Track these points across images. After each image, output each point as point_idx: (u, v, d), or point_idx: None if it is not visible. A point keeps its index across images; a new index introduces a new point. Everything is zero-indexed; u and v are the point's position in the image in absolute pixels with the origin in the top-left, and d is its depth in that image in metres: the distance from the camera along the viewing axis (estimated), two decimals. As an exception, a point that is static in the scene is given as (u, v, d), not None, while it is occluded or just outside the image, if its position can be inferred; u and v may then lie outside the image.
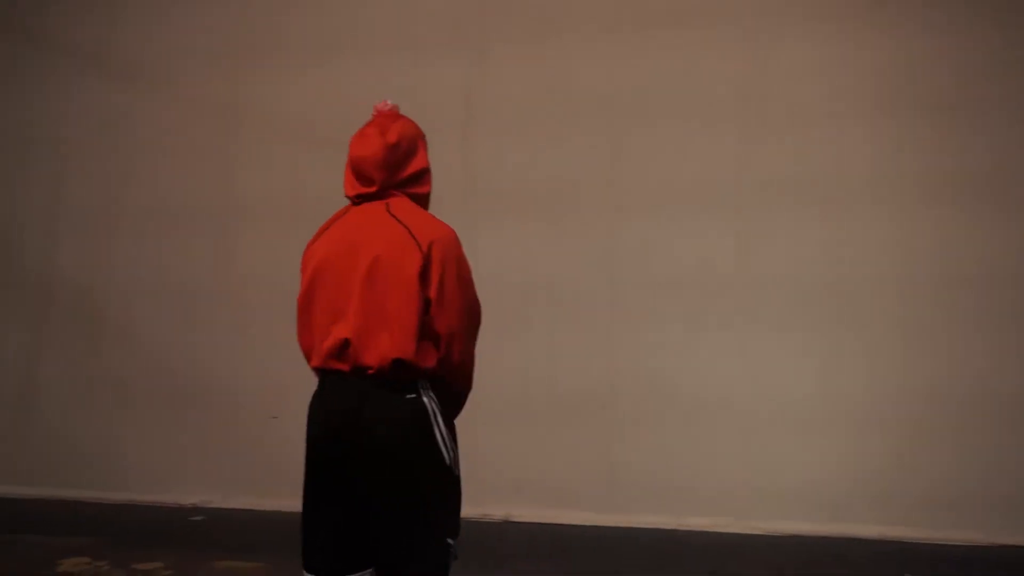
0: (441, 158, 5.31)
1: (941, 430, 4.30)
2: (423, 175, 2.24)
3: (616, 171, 4.79)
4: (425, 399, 2.08)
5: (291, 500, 4.44)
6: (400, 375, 2.06)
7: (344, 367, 2.07)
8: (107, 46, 5.57)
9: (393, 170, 2.16)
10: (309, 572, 2.14)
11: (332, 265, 2.12)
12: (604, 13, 4.82)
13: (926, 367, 4.35)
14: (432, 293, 2.05)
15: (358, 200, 2.19)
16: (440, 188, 5.25)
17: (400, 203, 2.16)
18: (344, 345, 2.06)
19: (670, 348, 4.65)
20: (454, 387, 2.18)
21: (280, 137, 5.25)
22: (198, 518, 4.97)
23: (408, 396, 2.06)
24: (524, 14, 4.92)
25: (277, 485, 4.78)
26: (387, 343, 2.03)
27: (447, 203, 5.05)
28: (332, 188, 5.15)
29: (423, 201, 2.24)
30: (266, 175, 5.26)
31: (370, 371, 2.05)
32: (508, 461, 4.67)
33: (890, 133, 4.48)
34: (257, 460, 5.00)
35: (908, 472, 4.32)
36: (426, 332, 2.05)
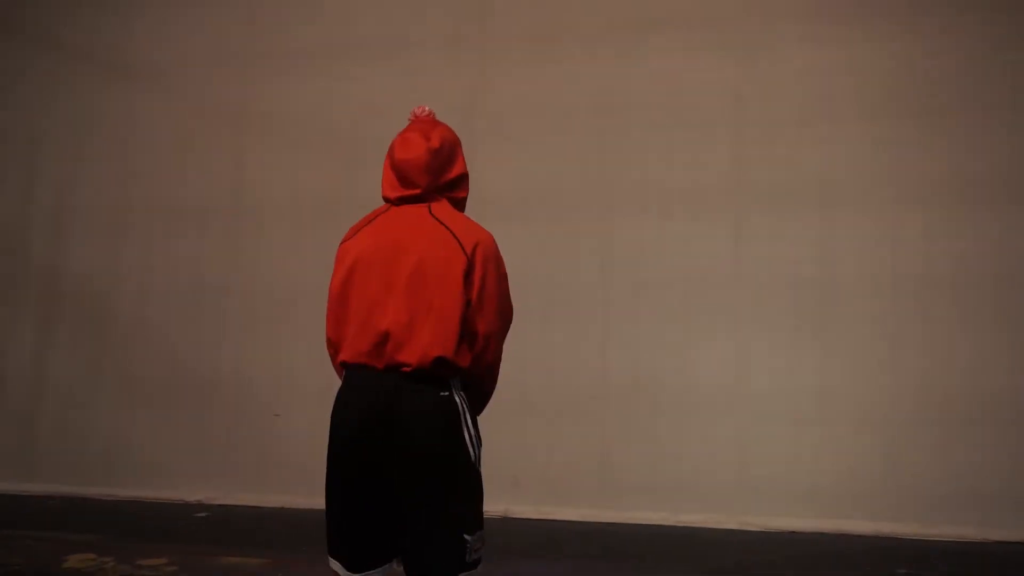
0: None
1: (932, 427, 4.31)
2: (462, 180, 2.25)
3: (611, 175, 4.80)
4: (457, 398, 2.10)
5: (295, 496, 4.47)
6: (438, 372, 2.07)
7: (378, 364, 2.08)
8: (118, 50, 5.58)
9: (436, 174, 2.17)
10: (334, 556, 2.16)
11: (374, 262, 2.12)
12: (600, 21, 4.83)
13: (916, 365, 4.36)
14: (474, 295, 2.07)
15: (399, 201, 2.20)
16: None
17: (441, 207, 2.17)
18: (384, 340, 2.07)
19: (664, 347, 4.66)
20: (484, 387, 2.21)
21: (288, 140, 5.27)
22: (202, 514, 4.97)
23: (442, 394, 2.08)
24: (523, 24, 4.93)
25: (281, 482, 4.82)
26: (429, 340, 2.04)
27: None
28: (338, 190, 5.21)
29: (461, 205, 2.26)
30: (274, 177, 5.27)
31: (407, 368, 2.05)
32: (506, 458, 4.62)
33: (881, 137, 4.49)
34: (261, 457, 5.02)
35: (900, 469, 4.32)
36: (464, 332, 2.08)
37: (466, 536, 2.09)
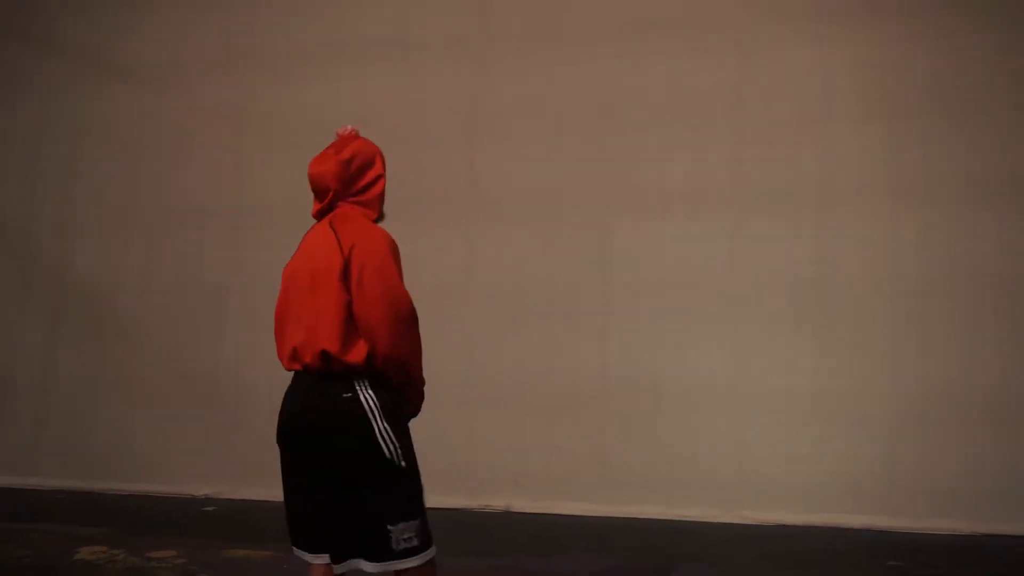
0: (445, 165, 5.39)
1: (924, 425, 4.33)
2: (375, 186, 2.33)
3: (610, 176, 4.81)
4: (364, 397, 2.16)
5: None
6: (331, 368, 2.17)
7: (298, 367, 2.24)
8: (122, 53, 5.59)
9: (348, 183, 2.28)
10: (304, 551, 2.28)
11: (293, 280, 2.29)
12: (600, 22, 4.84)
13: (910, 363, 4.38)
14: (352, 288, 2.15)
15: (318, 216, 2.33)
16: (445, 194, 5.33)
17: (342, 213, 2.27)
18: (294, 348, 2.22)
19: (662, 346, 4.67)
20: (393, 380, 2.23)
21: (288, 141, 5.22)
22: (209, 508, 5.00)
23: (345, 395, 2.16)
24: (524, 25, 4.94)
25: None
26: (315, 339, 2.17)
27: (452, 208, 5.12)
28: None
29: (373, 204, 2.33)
30: (275, 178, 5.26)
31: (312, 368, 2.19)
32: (508, 455, 4.70)
33: (877, 138, 4.49)
34: (265, 453, 4.94)
35: (892, 465, 4.34)
36: (349, 327, 2.16)
37: (389, 527, 2.16)
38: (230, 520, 4.70)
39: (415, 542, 2.19)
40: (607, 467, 4.67)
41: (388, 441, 2.17)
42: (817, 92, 4.55)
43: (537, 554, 3.92)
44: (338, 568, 2.23)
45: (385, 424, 2.17)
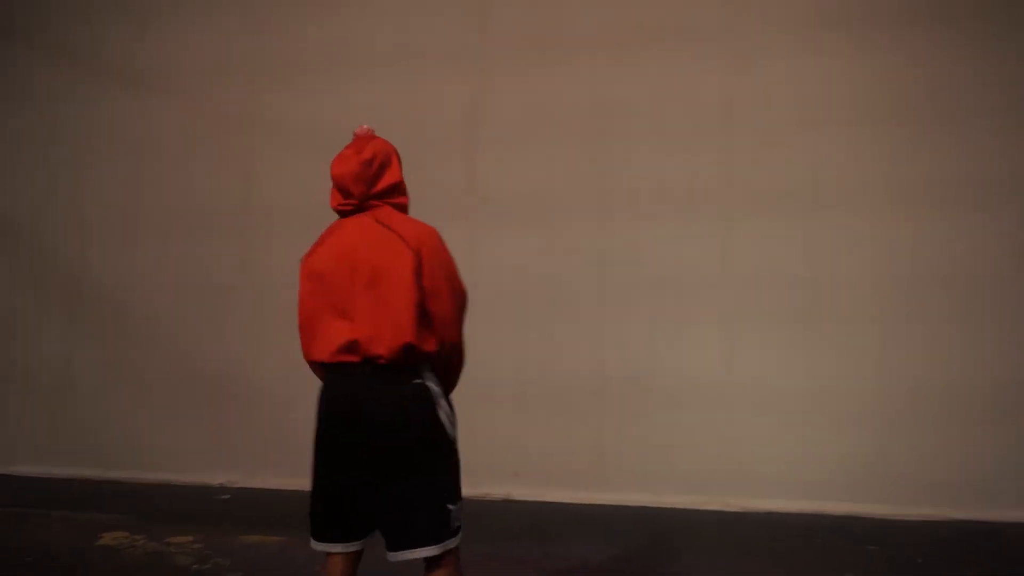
0: (447, 169, 5.40)
1: (902, 417, 4.37)
2: (397, 187, 2.38)
3: (607, 180, 4.81)
4: (429, 384, 2.25)
5: (308, 480, 4.53)
6: (408, 362, 2.22)
7: (355, 359, 2.22)
8: (133, 61, 5.58)
9: (369, 183, 2.31)
10: (319, 541, 2.31)
11: (333, 273, 2.26)
12: (596, 32, 4.84)
13: (896, 359, 4.41)
14: (426, 284, 2.22)
15: (343, 212, 2.36)
16: (446, 196, 5.38)
17: (384, 212, 2.32)
18: (354, 341, 2.21)
19: (656, 342, 4.70)
20: (451, 363, 2.34)
21: (294, 146, 5.26)
22: (225, 496, 5.05)
23: (415, 382, 2.23)
24: (522, 37, 4.94)
25: (296, 466, 4.82)
26: (393, 333, 2.19)
27: (452, 210, 5.19)
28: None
29: (404, 211, 2.41)
30: (281, 181, 5.28)
31: (381, 360, 2.20)
32: (508, 446, 4.75)
33: (864, 141, 4.50)
34: (277, 443, 5.07)
35: (872, 456, 4.39)
36: (424, 319, 2.23)
37: (449, 506, 2.25)
38: (244, 507, 4.76)
39: (460, 523, 2.29)
40: (602, 458, 4.73)
41: (449, 421, 2.29)
42: (805, 99, 4.56)
43: (535, 541, 3.99)
44: (352, 547, 2.27)
45: (447, 405, 2.29)
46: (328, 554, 2.29)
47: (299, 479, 4.79)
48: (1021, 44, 4.31)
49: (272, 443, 5.13)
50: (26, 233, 5.74)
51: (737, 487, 4.51)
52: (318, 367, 2.35)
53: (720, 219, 4.68)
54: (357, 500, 2.25)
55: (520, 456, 4.76)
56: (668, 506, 4.52)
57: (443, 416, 2.27)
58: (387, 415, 2.20)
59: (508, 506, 4.61)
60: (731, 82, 4.68)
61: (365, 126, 2.42)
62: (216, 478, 5.23)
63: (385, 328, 2.19)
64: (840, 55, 4.52)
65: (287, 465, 4.94)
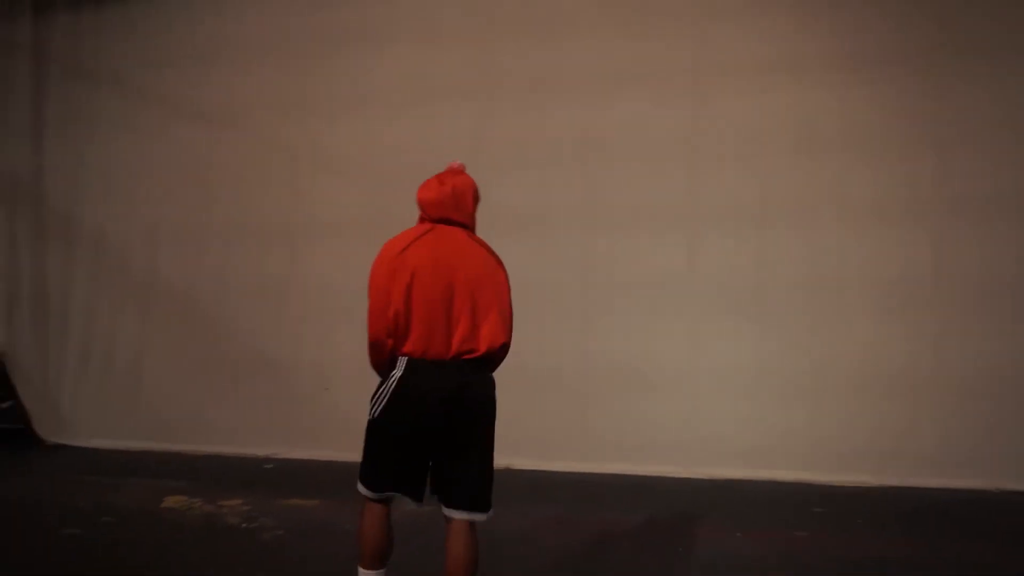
0: None
1: (840, 393, 4.36)
2: (468, 217, 2.39)
3: (590, 199, 4.81)
4: (492, 376, 2.32)
5: (341, 452, 4.51)
6: (488, 357, 2.25)
7: (446, 355, 2.20)
8: (199, 99, 5.60)
9: (449, 209, 2.32)
10: (380, 491, 2.30)
11: (431, 272, 2.22)
12: (581, 75, 4.83)
13: (827, 345, 4.41)
14: (509, 300, 2.31)
15: (437, 221, 2.34)
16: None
17: (474, 235, 2.37)
18: (452, 334, 2.21)
19: (632, 334, 4.69)
20: (499, 360, 2.36)
21: (333, 171, 5.29)
22: (269, 466, 5.03)
23: (490, 374, 2.30)
24: (519, 77, 4.94)
25: (329, 440, 4.86)
26: (492, 333, 2.22)
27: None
28: (372, 211, 5.27)
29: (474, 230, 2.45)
30: (322, 199, 5.30)
31: (471, 355, 2.22)
32: (509, 422, 4.63)
33: (807, 168, 4.49)
34: (313, 421, 5.08)
35: (815, 429, 4.37)
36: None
37: (491, 483, 2.34)
38: (285, 476, 4.74)
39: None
40: (588, 432, 4.71)
41: (494, 413, 2.33)
42: (756, 131, 4.57)
43: (532, 503, 3.99)
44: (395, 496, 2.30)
45: (495, 395, 2.33)
46: (375, 501, 2.31)
47: (331, 451, 4.88)
48: (927, 86, 4.33)
49: (309, 420, 5.13)
50: (109, 242, 5.77)
51: (702, 457, 4.49)
52: (388, 354, 2.29)
53: (685, 232, 4.69)
54: (436, 466, 2.28)
55: (519, 431, 4.69)
56: (644, 474, 4.50)
57: (494, 407, 2.33)
58: (473, 401, 2.23)
59: (509, 474, 4.57)
60: (694, 117, 4.69)
61: (459, 162, 2.42)
62: (261, 450, 5.22)
63: (483, 329, 2.21)
64: (784, 95, 4.54)
65: (321, 439, 5.00)
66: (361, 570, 2.33)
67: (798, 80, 4.52)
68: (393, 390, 2.25)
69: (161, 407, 5.50)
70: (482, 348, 2.20)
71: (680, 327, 4.65)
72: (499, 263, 2.32)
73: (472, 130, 4.99)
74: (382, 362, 2.32)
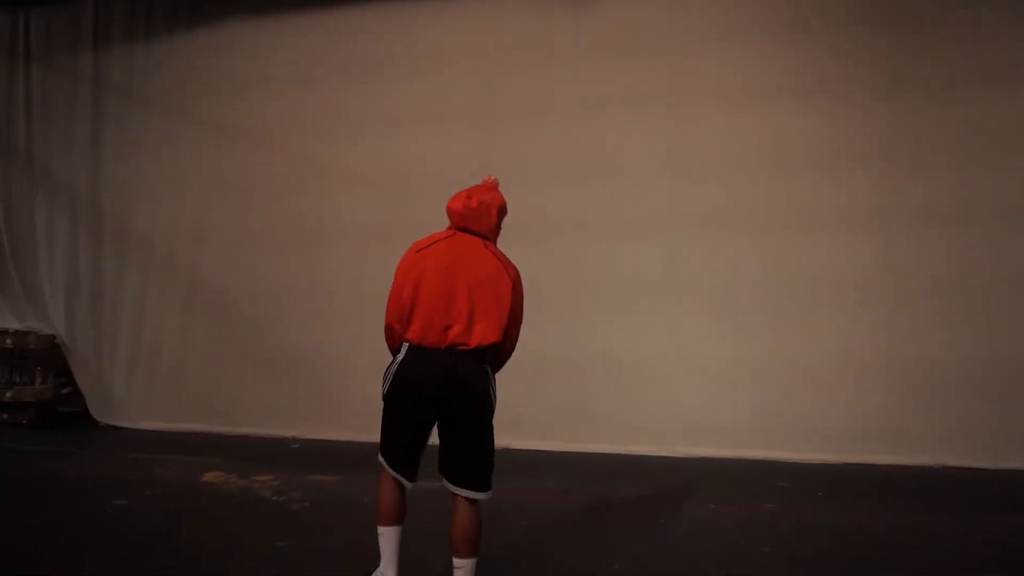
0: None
1: (801, 381, 4.32)
2: (492, 231, 2.36)
3: (580, 208, 4.76)
4: (487, 368, 2.24)
5: (360, 433, 4.46)
6: (483, 351, 2.21)
7: (442, 344, 2.18)
8: (234, 122, 5.54)
9: (472, 221, 2.31)
10: (395, 469, 2.27)
11: (440, 272, 2.21)
12: (574, 99, 4.79)
13: (791, 338, 4.36)
14: (512, 306, 2.23)
15: (460, 230, 2.32)
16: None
17: (489, 244, 2.33)
18: (449, 327, 2.18)
19: (618, 329, 4.64)
20: (504, 358, 2.33)
21: (355, 184, 5.24)
22: (296, 445, 4.98)
23: (482, 366, 2.22)
24: (519, 101, 4.91)
25: (350, 422, 4.82)
26: (484, 331, 2.18)
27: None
28: (390, 220, 5.22)
29: (496, 240, 2.41)
30: (345, 209, 5.26)
31: (463, 347, 2.18)
32: (509, 406, 4.58)
33: (773, 182, 4.44)
34: (336, 405, 5.02)
35: (780, 410, 4.32)
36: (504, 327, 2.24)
37: (490, 467, 2.27)
38: (311, 454, 4.68)
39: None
40: (580, 416, 4.65)
41: (494, 394, 2.26)
42: (728, 149, 4.52)
43: (531, 479, 3.94)
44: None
45: (493, 384, 2.27)
46: (388, 475, 2.29)
47: (351, 432, 4.81)
48: (880, 109, 4.30)
49: (332, 405, 5.07)
50: (157, 246, 5.71)
51: (680, 438, 4.43)
52: (398, 339, 2.29)
53: (665, 238, 4.66)
54: (440, 444, 2.25)
55: (518, 415, 4.65)
56: (629, 453, 4.44)
57: (491, 391, 2.25)
58: (463, 389, 2.19)
59: (509, 453, 4.53)
60: (673, 137, 4.66)
61: (493, 178, 2.41)
62: (290, 431, 5.16)
63: (478, 327, 2.17)
64: (753, 117, 4.51)
65: (343, 422, 4.95)
66: (379, 527, 2.30)
67: (766, 103, 4.49)
68: (395, 372, 2.27)
69: (202, 393, 5.44)
70: (472, 343, 2.17)
71: (661, 322, 4.60)
72: (508, 272, 2.26)
73: (478, 148, 4.94)
74: (393, 345, 2.33)
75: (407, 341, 2.23)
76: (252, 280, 5.46)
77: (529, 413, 4.66)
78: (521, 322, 2.32)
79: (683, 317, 4.56)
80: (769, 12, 4.52)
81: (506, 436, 4.69)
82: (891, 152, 4.29)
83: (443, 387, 2.18)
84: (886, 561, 2.72)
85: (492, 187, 2.40)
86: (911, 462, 4.02)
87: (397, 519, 2.29)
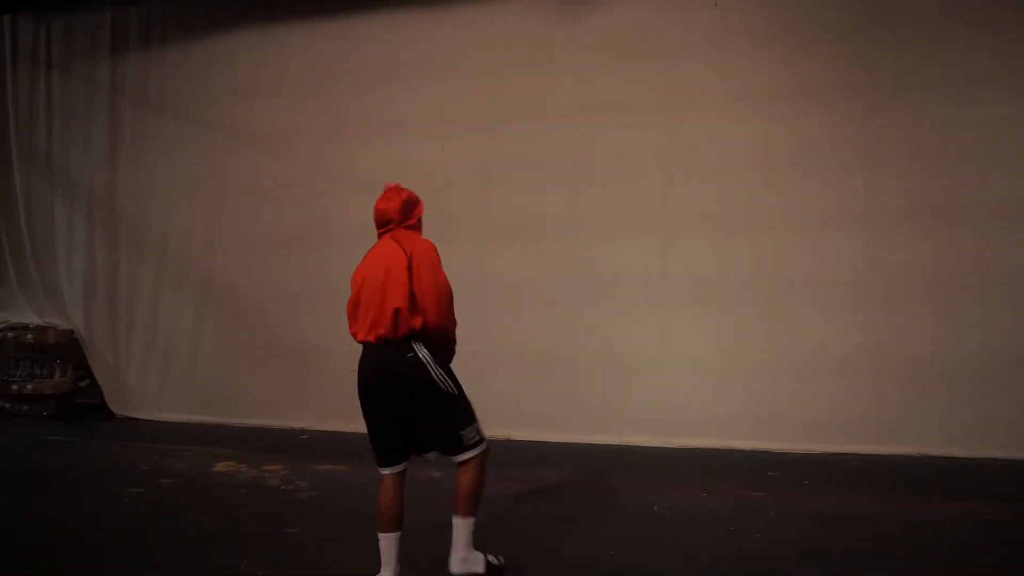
0: (465, 202, 5.39)
1: (789, 374, 4.30)
2: (417, 218, 2.41)
3: (579, 210, 4.75)
4: (421, 355, 2.22)
5: (364, 425, 4.45)
6: (401, 336, 2.19)
7: (371, 339, 2.24)
8: (245, 127, 5.53)
9: (404, 216, 2.35)
10: (383, 467, 2.30)
11: (367, 281, 2.29)
12: (572, 104, 4.77)
13: (778, 333, 4.35)
14: (413, 278, 2.21)
15: (381, 235, 2.38)
16: (464, 222, 5.34)
17: (400, 233, 2.34)
18: (372, 322, 2.23)
19: (614, 325, 4.63)
20: (439, 341, 2.29)
21: (360, 188, 5.19)
22: (304, 436, 4.97)
23: (408, 355, 2.21)
24: (518, 106, 4.89)
25: (355, 415, 4.76)
26: (391, 314, 2.20)
27: (469, 231, 5.12)
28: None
29: (418, 227, 2.41)
30: (349, 213, 5.13)
31: (384, 337, 2.21)
32: (509, 399, 4.62)
33: (761, 184, 4.43)
34: (341, 398, 4.91)
35: (769, 403, 4.30)
36: (412, 304, 2.20)
37: (459, 432, 2.25)
38: (318, 445, 4.67)
39: (478, 437, 2.28)
40: (577, 409, 4.63)
41: (441, 379, 2.23)
42: (719, 153, 4.50)
43: (530, 469, 3.93)
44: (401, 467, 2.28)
45: (438, 369, 2.23)
46: (384, 477, 2.32)
47: (357, 424, 4.68)
48: (861, 115, 4.28)
49: (338, 398, 4.93)
50: (171, 246, 5.69)
51: (673, 429, 4.41)
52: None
53: (658, 238, 4.63)
54: (396, 434, 2.28)
55: (517, 407, 4.65)
56: (623, 444, 4.43)
57: (435, 376, 2.23)
58: (394, 376, 2.21)
59: (509, 444, 4.51)
60: (666, 141, 4.64)
61: (393, 182, 2.45)
62: (298, 423, 5.15)
63: (386, 313, 2.19)
64: (742, 122, 4.49)
65: (348, 414, 4.82)
66: (378, 533, 2.31)
67: (754, 109, 4.47)
68: (358, 371, 2.34)
69: (213, 386, 5.43)
70: (385, 332, 2.20)
71: (654, 319, 4.58)
72: (404, 251, 2.24)
73: (479, 151, 4.93)
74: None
75: (360, 342, 2.31)
76: (262, 279, 5.44)
77: (528, 406, 4.65)
78: (440, 290, 2.24)
79: (677, 314, 4.54)
80: (759, 20, 4.50)
81: (506, 428, 4.68)
82: (877, 154, 4.27)
83: (378, 375, 2.23)
84: (870, 546, 2.72)
85: (400, 188, 2.44)
86: (894, 451, 4.02)
87: (394, 525, 2.29)
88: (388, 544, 2.28)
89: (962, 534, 2.80)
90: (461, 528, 2.26)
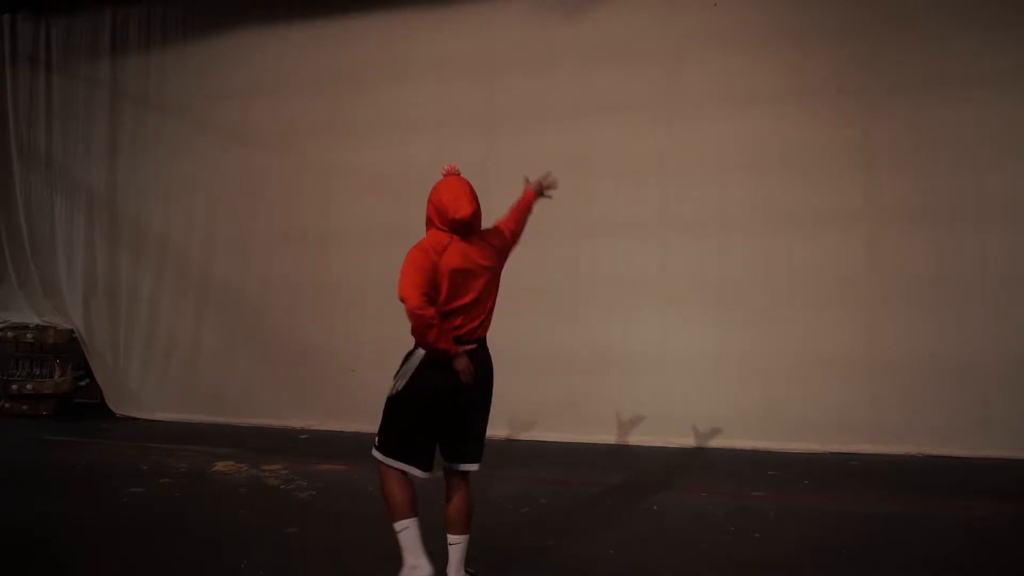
0: None
1: (789, 374, 4.29)
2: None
3: (579, 210, 4.68)
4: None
5: (364, 424, 4.42)
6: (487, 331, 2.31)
7: (476, 336, 2.29)
8: (245, 127, 5.51)
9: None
10: (426, 469, 2.19)
11: (476, 274, 2.27)
12: (572, 105, 4.76)
13: (777, 333, 4.34)
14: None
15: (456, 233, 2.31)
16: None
17: (481, 234, 2.40)
18: (481, 323, 2.31)
19: (613, 325, 4.62)
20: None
21: (360, 187, 5.21)
22: (304, 436, 4.95)
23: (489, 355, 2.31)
24: (518, 107, 4.88)
25: (355, 414, 4.74)
26: (487, 309, 2.35)
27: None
28: (392, 220, 5.19)
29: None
30: (349, 211, 5.22)
31: (483, 336, 2.33)
32: (510, 400, 4.56)
33: (759, 183, 4.43)
34: (342, 398, 4.98)
35: (769, 402, 4.30)
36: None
37: (484, 439, 2.27)
38: (318, 444, 4.66)
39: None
40: (575, 408, 4.62)
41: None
42: (715, 153, 4.50)
43: (527, 467, 3.91)
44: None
45: (399, 366, 2.23)
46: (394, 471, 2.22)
47: (357, 424, 4.76)
48: (857, 116, 4.29)
49: (338, 398, 5.05)
50: (171, 246, 5.68)
51: (673, 428, 4.40)
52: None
53: (657, 238, 4.62)
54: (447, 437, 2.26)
55: (518, 408, 4.61)
56: (624, 443, 4.43)
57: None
58: (486, 375, 2.30)
59: (510, 443, 4.52)
60: (665, 141, 4.63)
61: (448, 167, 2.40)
62: (298, 423, 5.14)
63: (487, 314, 2.33)
64: (740, 123, 4.49)
65: (348, 414, 4.88)
66: (400, 522, 2.15)
67: (751, 111, 4.47)
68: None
69: (213, 386, 5.41)
70: (484, 332, 2.28)
71: (654, 318, 4.57)
72: (500, 258, 2.32)
73: (478, 151, 4.91)
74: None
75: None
76: (262, 278, 5.43)
77: (528, 406, 4.63)
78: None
79: (676, 315, 4.53)
80: (758, 21, 4.50)
81: (508, 427, 4.68)
82: (875, 155, 4.27)
83: (479, 378, 2.27)
84: (870, 545, 2.70)
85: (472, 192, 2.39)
86: (893, 451, 4.01)
87: (416, 510, 2.19)
88: (413, 531, 2.11)
89: (962, 534, 2.79)
90: (461, 547, 2.16)
